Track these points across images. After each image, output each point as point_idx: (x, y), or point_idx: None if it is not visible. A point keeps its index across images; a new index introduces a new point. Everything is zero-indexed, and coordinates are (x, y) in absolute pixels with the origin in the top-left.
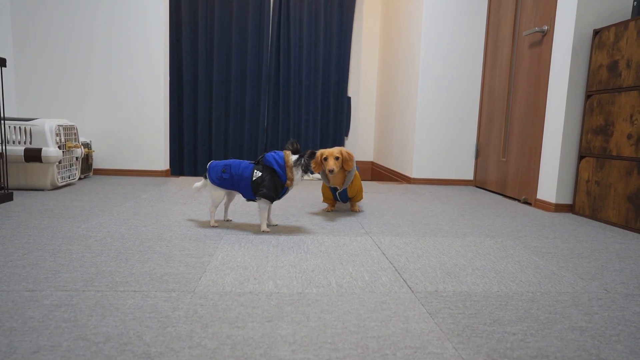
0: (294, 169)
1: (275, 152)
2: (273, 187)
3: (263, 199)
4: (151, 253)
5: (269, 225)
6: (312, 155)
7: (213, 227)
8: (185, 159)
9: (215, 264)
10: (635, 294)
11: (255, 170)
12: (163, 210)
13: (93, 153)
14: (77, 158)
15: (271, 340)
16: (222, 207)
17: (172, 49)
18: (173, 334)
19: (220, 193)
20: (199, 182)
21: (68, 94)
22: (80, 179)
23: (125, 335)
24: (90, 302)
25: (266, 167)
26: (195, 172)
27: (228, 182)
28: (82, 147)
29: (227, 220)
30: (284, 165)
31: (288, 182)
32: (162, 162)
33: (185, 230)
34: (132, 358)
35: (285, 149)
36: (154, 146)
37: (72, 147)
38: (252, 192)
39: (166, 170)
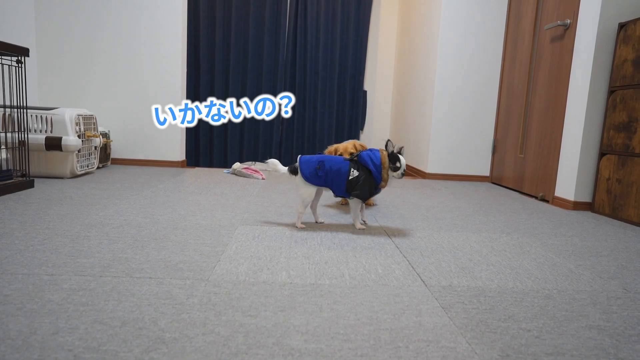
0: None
1: (371, 151)
2: (367, 188)
3: (356, 199)
4: (166, 241)
5: (361, 223)
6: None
7: (300, 228)
8: (201, 150)
9: (229, 253)
10: None
11: (352, 169)
12: (178, 199)
13: (111, 143)
14: (95, 147)
15: (284, 330)
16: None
17: (189, 40)
18: (187, 321)
19: (311, 190)
20: (282, 167)
21: (88, 84)
22: (98, 168)
23: (141, 320)
24: (107, 287)
25: (362, 166)
26: (211, 163)
27: (322, 179)
28: (100, 136)
29: (320, 222)
30: (379, 165)
31: (382, 183)
32: (179, 152)
33: (200, 219)
34: (147, 342)
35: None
36: (170, 137)
37: (91, 137)
38: (346, 189)
39: (182, 161)
